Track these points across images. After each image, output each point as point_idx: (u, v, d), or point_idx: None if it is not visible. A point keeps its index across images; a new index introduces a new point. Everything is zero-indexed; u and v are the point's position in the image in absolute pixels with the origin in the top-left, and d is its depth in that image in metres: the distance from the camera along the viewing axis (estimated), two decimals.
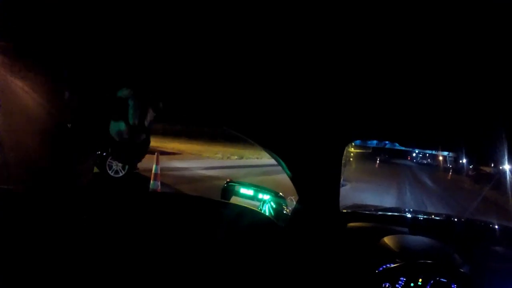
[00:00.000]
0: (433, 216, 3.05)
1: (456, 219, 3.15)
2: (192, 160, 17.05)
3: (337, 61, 1.21)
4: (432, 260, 1.85)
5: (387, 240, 2.01)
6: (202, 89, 1.48)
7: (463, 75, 1.21)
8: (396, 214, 2.95)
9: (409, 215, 2.99)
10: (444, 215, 3.91)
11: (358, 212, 2.52)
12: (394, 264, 1.82)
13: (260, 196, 2.35)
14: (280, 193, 2.28)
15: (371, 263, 1.85)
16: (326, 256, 1.86)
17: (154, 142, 21.10)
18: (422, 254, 1.92)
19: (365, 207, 3.18)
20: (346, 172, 16.68)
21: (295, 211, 2.03)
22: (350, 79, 1.33)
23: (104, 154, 10.03)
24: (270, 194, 2.24)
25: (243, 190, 2.43)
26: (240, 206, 1.93)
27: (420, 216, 2.94)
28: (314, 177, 1.82)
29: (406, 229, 2.16)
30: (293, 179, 1.83)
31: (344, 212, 2.36)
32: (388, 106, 1.52)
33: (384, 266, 1.82)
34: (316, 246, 1.86)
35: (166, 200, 1.87)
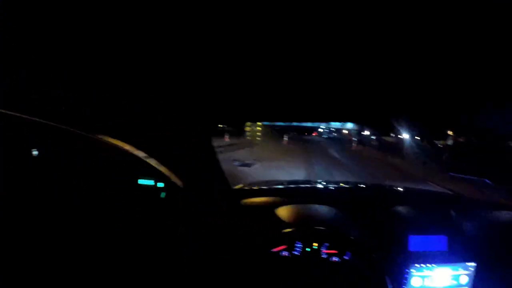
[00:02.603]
0: (334, 185, 3.12)
1: (358, 186, 3.25)
2: None
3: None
4: (325, 227, 1.88)
5: (281, 210, 2.01)
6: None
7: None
8: (294, 186, 2.96)
9: (308, 186, 3.02)
10: (347, 183, 4.04)
11: (252, 188, 2.48)
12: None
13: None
14: None
15: (265, 234, 1.85)
16: (218, 232, 1.84)
17: None
18: (315, 221, 1.95)
19: (265, 182, 3.17)
20: (255, 152, 16.92)
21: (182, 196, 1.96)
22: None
23: None
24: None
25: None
26: None
27: (320, 185, 2.99)
28: (187, 164, 1.86)
29: (303, 199, 2.17)
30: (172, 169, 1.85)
31: (236, 189, 2.31)
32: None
33: (278, 234, 1.84)
34: (206, 224, 1.84)
35: None
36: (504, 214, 2.18)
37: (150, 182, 1.86)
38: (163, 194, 1.87)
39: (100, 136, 1.67)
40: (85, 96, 1.54)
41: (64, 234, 1.61)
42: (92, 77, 1.46)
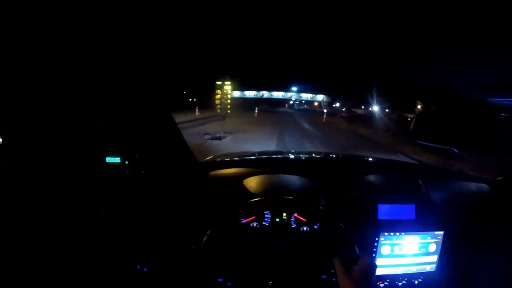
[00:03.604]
0: (305, 155, 3.09)
1: (328, 155, 3.23)
2: None
3: None
4: (294, 197, 1.85)
5: (250, 181, 1.96)
6: None
7: None
8: (264, 156, 2.92)
9: (279, 156, 2.99)
10: (318, 153, 4.02)
11: (221, 160, 2.43)
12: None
13: None
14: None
15: (234, 206, 1.82)
16: (184, 206, 1.84)
17: None
18: (284, 191, 1.91)
19: (235, 154, 3.12)
20: (226, 125, 16.82)
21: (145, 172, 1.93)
22: None
23: None
24: None
25: None
26: None
27: (291, 155, 2.96)
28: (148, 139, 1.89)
29: (272, 169, 2.13)
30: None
31: (204, 162, 2.26)
32: None
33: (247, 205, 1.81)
34: (171, 199, 1.84)
35: None
36: (471, 185, 2.21)
37: (117, 160, 1.83)
38: (127, 171, 1.85)
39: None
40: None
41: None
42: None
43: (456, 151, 1.88)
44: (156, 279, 1.73)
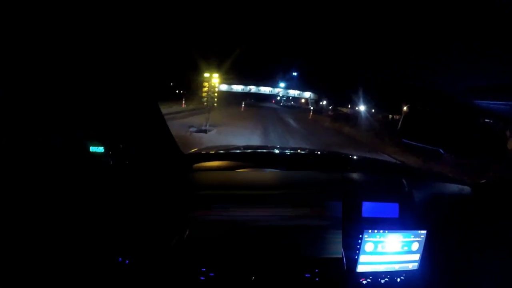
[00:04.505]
0: (289, 151, 3.09)
1: (312, 152, 3.23)
2: None
3: None
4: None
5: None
6: None
7: None
8: (249, 150, 2.91)
9: (264, 151, 2.98)
10: (302, 149, 4.03)
11: (204, 153, 2.42)
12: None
13: None
14: None
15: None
16: (167, 192, 1.82)
17: None
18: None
19: (220, 147, 3.10)
20: (212, 118, 16.74)
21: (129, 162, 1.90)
22: None
23: None
24: None
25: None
26: None
27: (276, 150, 2.95)
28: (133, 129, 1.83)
29: (257, 164, 2.13)
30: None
31: (189, 154, 2.25)
32: None
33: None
34: (154, 189, 1.82)
35: None
36: (453, 187, 2.24)
37: (101, 150, 1.78)
38: (111, 161, 1.81)
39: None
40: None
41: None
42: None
43: (442, 151, 1.89)
44: (138, 271, 1.70)
